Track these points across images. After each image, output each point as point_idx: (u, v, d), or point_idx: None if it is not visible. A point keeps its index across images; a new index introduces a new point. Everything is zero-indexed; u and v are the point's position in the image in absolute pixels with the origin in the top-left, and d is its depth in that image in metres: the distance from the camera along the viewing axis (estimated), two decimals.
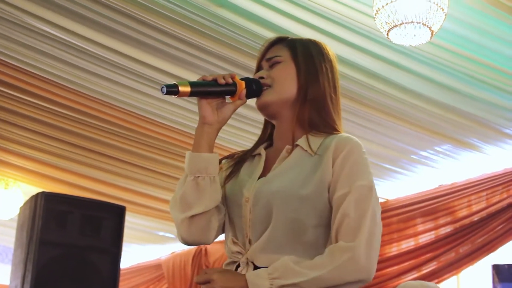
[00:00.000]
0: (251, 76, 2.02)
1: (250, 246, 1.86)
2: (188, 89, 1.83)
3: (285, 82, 1.95)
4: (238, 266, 1.87)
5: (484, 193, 5.41)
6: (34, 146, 5.72)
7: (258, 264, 1.82)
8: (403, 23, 3.12)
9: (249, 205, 1.88)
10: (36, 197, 4.53)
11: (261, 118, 2.10)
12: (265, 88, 1.97)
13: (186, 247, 8.47)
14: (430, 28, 3.14)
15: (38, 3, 3.83)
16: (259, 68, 2.05)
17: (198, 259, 8.06)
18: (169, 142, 5.44)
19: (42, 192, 4.55)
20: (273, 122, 2.04)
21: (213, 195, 1.88)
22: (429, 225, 5.74)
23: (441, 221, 5.66)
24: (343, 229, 1.77)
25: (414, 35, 3.20)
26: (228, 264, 1.93)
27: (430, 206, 5.74)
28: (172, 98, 4.70)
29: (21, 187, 6.60)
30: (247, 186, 1.91)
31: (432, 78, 4.24)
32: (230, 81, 1.89)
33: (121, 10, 3.83)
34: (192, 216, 1.89)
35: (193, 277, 8.05)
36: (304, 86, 1.94)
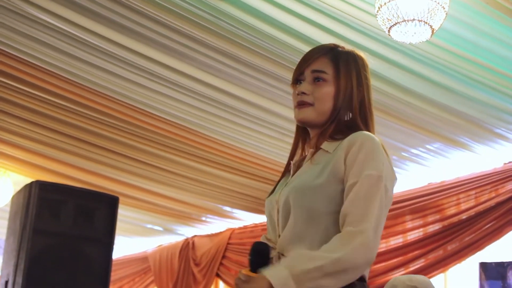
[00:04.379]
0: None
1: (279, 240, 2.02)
2: None
3: (325, 104, 2.11)
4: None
5: (473, 192, 5.45)
6: (26, 135, 5.72)
7: (287, 255, 1.97)
8: (404, 20, 3.16)
9: (277, 205, 2.05)
10: (30, 185, 4.53)
11: None
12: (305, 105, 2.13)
13: (173, 240, 8.49)
14: (431, 26, 3.18)
15: None
16: (301, 72, 2.17)
17: (185, 252, 8.08)
18: (163, 134, 5.45)
19: (37, 181, 4.55)
20: (309, 130, 2.21)
21: None
22: (418, 222, 5.78)
23: (430, 218, 5.69)
24: (350, 215, 1.88)
25: (415, 33, 3.24)
26: None
27: (419, 203, 5.78)
28: (168, 90, 4.76)
29: (11, 176, 6.59)
30: (278, 192, 2.11)
31: (427, 76, 4.28)
32: None
33: (121, 2, 3.84)
34: None
35: (179, 270, 8.07)
36: (337, 108, 2.11)
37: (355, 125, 2.10)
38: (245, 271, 1.95)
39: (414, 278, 3.37)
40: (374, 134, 2.12)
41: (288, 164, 2.22)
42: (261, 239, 2.13)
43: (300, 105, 2.13)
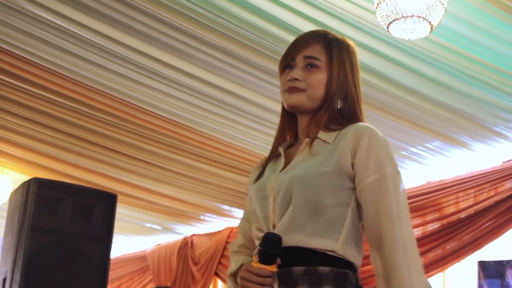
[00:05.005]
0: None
1: (274, 230, 1.97)
2: None
3: (317, 91, 2.09)
4: None
5: (472, 191, 5.45)
6: (25, 133, 5.71)
7: (282, 245, 1.91)
8: (403, 17, 3.15)
9: (273, 193, 2.01)
10: (28, 183, 4.51)
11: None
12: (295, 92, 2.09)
13: (172, 239, 8.48)
14: (430, 23, 3.18)
15: None
16: (292, 58, 2.13)
17: (184, 251, 8.08)
18: (162, 132, 5.44)
19: (35, 178, 4.51)
20: (299, 116, 2.16)
21: None
22: (416, 221, 5.77)
23: (429, 217, 5.69)
24: (384, 231, 1.91)
25: (414, 29, 3.23)
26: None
27: (418, 202, 5.77)
28: (167, 88, 4.75)
29: (9, 175, 6.58)
30: (271, 180, 2.05)
31: (425, 74, 4.27)
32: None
33: None
34: None
35: (178, 269, 8.06)
36: (330, 96, 2.09)
37: (351, 114, 2.09)
38: (256, 263, 1.90)
39: None
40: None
41: (275, 148, 2.17)
42: (254, 229, 2.07)
43: (292, 90, 2.09)
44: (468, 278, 5.39)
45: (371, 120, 4.93)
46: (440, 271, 5.55)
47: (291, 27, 3.90)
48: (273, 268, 1.90)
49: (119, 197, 4.91)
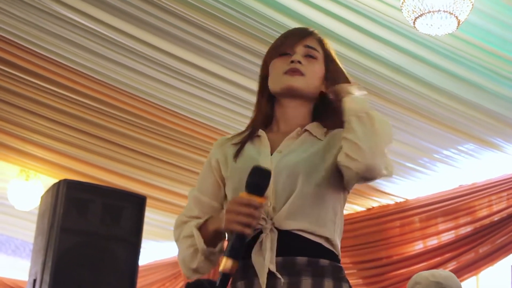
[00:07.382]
0: None
1: (274, 213, 1.93)
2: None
3: (316, 80, 2.09)
4: (260, 232, 1.90)
5: (505, 193, 5.41)
6: (56, 136, 5.74)
7: (284, 228, 1.90)
8: (430, 12, 3.13)
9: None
10: (58, 184, 4.55)
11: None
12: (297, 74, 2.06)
13: None
14: (456, 18, 3.15)
15: None
16: (290, 46, 2.10)
17: None
18: (192, 135, 5.44)
19: (64, 180, 4.56)
20: (287, 103, 2.11)
21: None
22: (449, 224, 5.73)
23: (461, 221, 5.65)
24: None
25: (441, 25, 3.20)
26: None
27: (450, 206, 5.73)
28: (196, 90, 4.75)
29: (41, 178, 6.63)
30: (263, 161, 1.99)
31: (455, 73, 4.23)
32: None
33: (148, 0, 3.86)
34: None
35: (209, 275, 8.04)
36: (324, 89, 2.10)
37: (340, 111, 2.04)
38: (245, 194, 1.82)
39: (437, 274, 3.31)
40: None
41: (256, 130, 2.10)
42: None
43: (294, 72, 2.05)
44: (502, 282, 5.31)
45: (403, 123, 4.90)
46: (473, 275, 5.49)
47: (318, 26, 3.88)
48: (262, 200, 1.82)
49: (150, 202, 4.92)
